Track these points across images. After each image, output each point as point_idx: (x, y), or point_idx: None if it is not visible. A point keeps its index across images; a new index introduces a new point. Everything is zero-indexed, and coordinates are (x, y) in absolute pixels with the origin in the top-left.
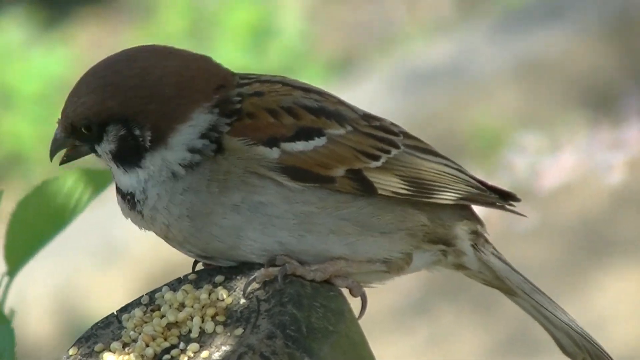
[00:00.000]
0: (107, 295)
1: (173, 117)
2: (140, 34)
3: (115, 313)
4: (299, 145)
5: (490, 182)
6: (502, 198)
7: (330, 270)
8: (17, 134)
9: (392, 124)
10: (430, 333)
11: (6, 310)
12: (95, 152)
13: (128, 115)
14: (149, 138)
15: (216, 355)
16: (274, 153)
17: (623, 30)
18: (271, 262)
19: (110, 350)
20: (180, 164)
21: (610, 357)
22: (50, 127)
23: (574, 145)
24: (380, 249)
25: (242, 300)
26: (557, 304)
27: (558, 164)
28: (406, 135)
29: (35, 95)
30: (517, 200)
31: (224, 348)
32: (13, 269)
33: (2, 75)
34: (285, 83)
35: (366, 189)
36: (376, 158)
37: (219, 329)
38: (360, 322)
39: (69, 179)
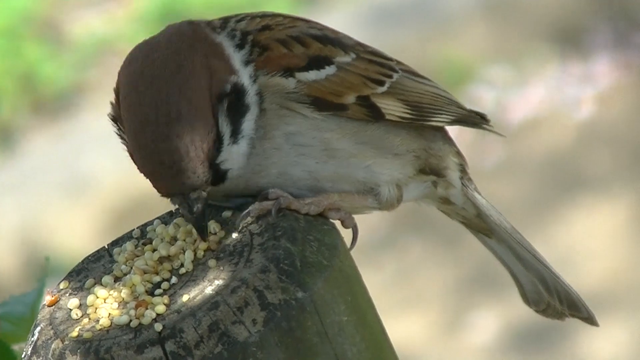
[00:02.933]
0: (74, 229)
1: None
2: None
3: (107, 247)
4: (312, 75)
5: None
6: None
7: (325, 204)
8: None
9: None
10: (397, 268)
11: None
12: (214, 169)
13: (219, 99)
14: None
15: (209, 289)
16: (290, 83)
17: None
18: (264, 196)
19: (101, 284)
20: (255, 118)
21: (583, 302)
22: (17, 60)
23: (542, 79)
24: (394, 171)
25: (235, 234)
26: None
27: (526, 97)
28: (396, 60)
29: (2, 29)
30: (488, 121)
31: (216, 282)
32: None
33: None
34: (283, 16)
35: (375, 114)
36: (381, 83)
37: (212, 262)
38: None
39: None
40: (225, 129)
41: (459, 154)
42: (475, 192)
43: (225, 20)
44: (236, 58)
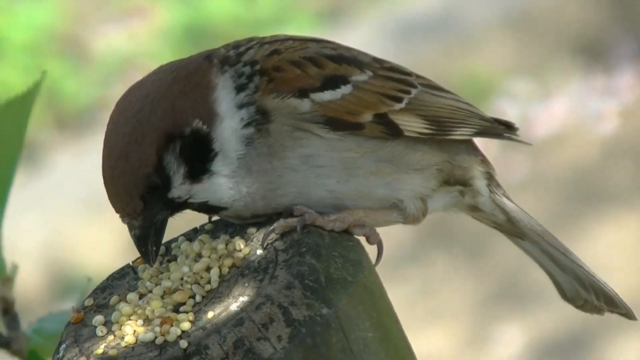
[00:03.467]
0: (95, 246)
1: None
2: None
3: (131, 264)
4: (327, 95)
5: None
6: (506, 129)
7: (349, 220)
8: (6, 83)
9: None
10: (423, 282)
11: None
12: (170, 203)
13: (169, 140)
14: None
15: (234, 306)
16: (305, 105)
17: None
18: (289, 213)
19: (126, 302)
20: (240, 152)
21: (621, 299)
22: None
23: (566, 93)
24: (416, 186)
25: (260, 251)
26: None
27: (549, 111)
28: (416, 74)
29: (24, 45)
30: (516, 129)
31: (241, 299)
32: None
33: None
34: (293, 38)
35: (393, 131)
36: (399, 100)
37: (237, 279)
38: None
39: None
40: (175, 168)
41: (484, 162)
42: (504, 198)
43: (239, 54)
44: (227, 102)
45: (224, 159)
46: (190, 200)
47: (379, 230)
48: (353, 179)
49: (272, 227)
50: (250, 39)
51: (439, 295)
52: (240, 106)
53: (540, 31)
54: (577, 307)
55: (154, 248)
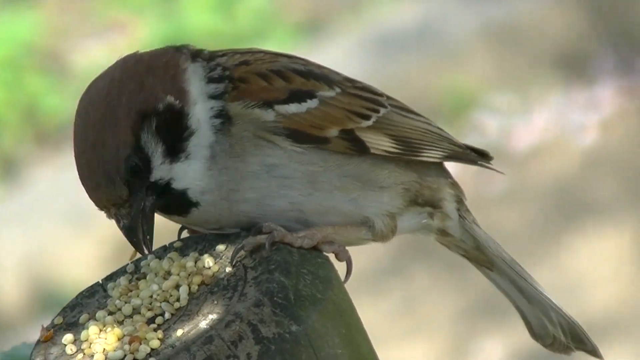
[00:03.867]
0: (79, 260)
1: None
2: None
3: (101, 282)
4: (292, 107)
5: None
6: (479, 156)
7: (318, 237)
8: None
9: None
10: (403, 295)
11: None
12: (154, 188)
13: (144, 119)
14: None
15: (203, 323)
16: (269, 115)
17: None
18: (257, 230)
19: (95, 320)
20: (211, 140)
21: (586, 334)
22: (19, 92)
23: (547, 106)
24: (382, 203)
25: (229, 268)
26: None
27: (530, 125)
28: (387, 96)
29: (4, 60)
30: (490, 158)
31: (211, 316)
32: None
33: None
34: (265, 52)
35: (359, 148)
36: (367, 117)
37: (206, 297)
38: None
39: None
40: (153, 147)
41: (454, 185)
42: (473, 224)
43: (212, 54)
44: (197, 86)
45: (198, 141)
46: (173, 185)
47: (349, 249)
48: (317, 192)
49: (241, 244)
50: (228, 49)
51: (419, 309)
52: (210, 97)
53: (521, 44)
54: (545, 346)
55: (148, 236)
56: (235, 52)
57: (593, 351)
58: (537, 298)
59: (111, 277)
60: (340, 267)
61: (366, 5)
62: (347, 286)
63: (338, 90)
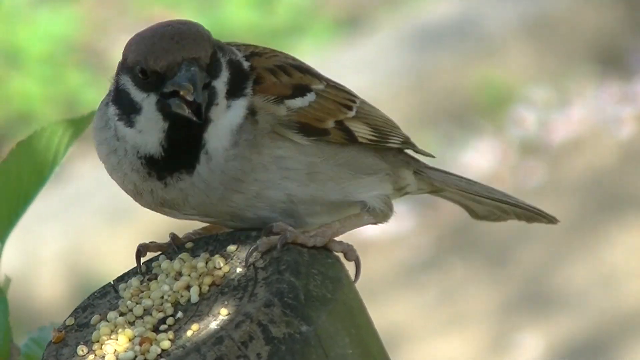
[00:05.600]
0: (116, 255)
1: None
2: None
3: (112, 283)
4: (298, 102)
5: (501, 137)
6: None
7: (329, 233)
8: (25, 94)
9: None
10: (440, 289)
11: (1, 278)
12: (211, 92)
13: (220, 48)
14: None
15: (213, 324)
16: (282, 110)
17: None
18: (269, 230)
19: (107, 321)
20: (238, 123)
21: (541, 212)
22: (58, 87)
23: (583, 99)
24: (373, 189)
25: (239, 269)
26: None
27: (567, 118)
28: None
29: (43, 56)
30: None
31: (221, 317)
32: (3, 235)
33: (10, 35)
34: (263, 47)
35: (349, 137)
36: (350, 108)
37: (217, 297)
38: (371, 280)
39: (43, 134)
40: (221, 70)
41: (409, 163)
42: (426, 174)
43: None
44: (243, 61)
45: (241, 107)
46: (211, 114)
47: (392, 242)
48: (312, 183)
49: (255, 246)
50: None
51: (458, 302)
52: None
53: (557, 38)
54: (490, 220)
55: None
56: (237, 44)
57: (550, 220)
58: (490, 203)
59: (122, 278)
60: (350, 267)
61: (403, 0)
62: (386, 280)
63: (324, 83)
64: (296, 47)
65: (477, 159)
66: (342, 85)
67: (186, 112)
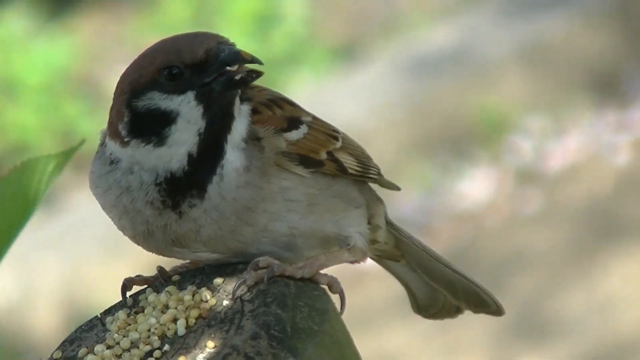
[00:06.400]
0: (114, 285)
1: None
2: (144, 23)
3: (99, 316)
4: (294, 134)
5: (497, 166)
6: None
7: (316, 265)
8: (21, 124)
9: None
10: None
11: None
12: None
13: None
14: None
15: (200, 356)
16: (282, 143)
17: (626, 12)
18: (255, 264)
19: (94, 354)
20: (242, 145)
21: (491, 297)
22: (55, 117)
23: (580, 127)
24: (359, 223)
25: (226, 302)
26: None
27: (564, 146)
28: None
29: (40, 86)
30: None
31: (208, 349)
32: None
33: (6, 65)
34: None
35: (340, 168)
36: (337, 139)
37: (204, 330)
38: (369, 308)
39: (24, 169)
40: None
41: (379, 198)
42: (393, 226)
43: None
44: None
45: (246, 116)
46: (233, 120)
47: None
48: (311, 215)
49: (242, 279)
50: None
51: (456, 330)
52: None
53: (554, 65)
54: (428, 316)
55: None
56: None
57: (497, 311)
58: (446, 276)
59: (110, 311)
60: (335, 300)
61: (400, 29)
62: (381, 309)
63: (310, 115)
64: (293, 76)
65: (474, 188)
66: (320, 118)
67: (236, 81)
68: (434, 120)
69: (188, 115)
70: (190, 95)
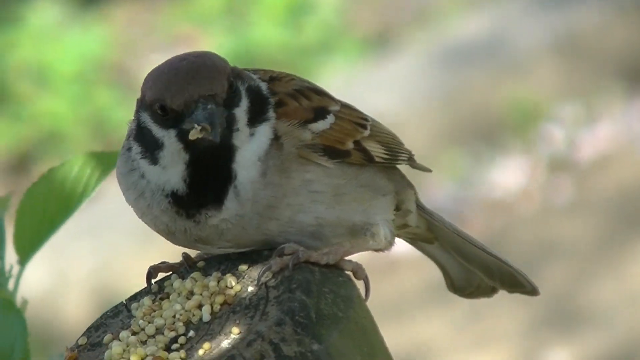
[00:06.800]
0: (144, 274)
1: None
2: (177, 12)
3: (125, 302)
4: (320, 125)
5: (529, 155)
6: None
7: (341, 252)
8: (54, 113)
9: None
10: (470, 307)
11: (18, 299)
12: (230, 118)
13: (239, 79)
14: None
15: (225, 342)
16: (306, 134)
17: None
18: (280, 251)
19: (119, 340)
20: (265, 149)
21: (527, 278)
22: (88, 106)
23: (611, 117)
24: (385, 212)
25: (251, 288)
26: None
27: (595, 135)
28: None
29: (72, 75)
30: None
31: (233, 336)
32: (24, 258)
33: (40, 55)
34: (279, 71)
35: (367, 157)
36: (365, 127)
37: (228, 316)
38: (401, 297)
39: (75, 164)
40: (242, 98)
41: (410, 183)
42: (424, 209)
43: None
44: (261, 85)
45: (266, 128)
46: (235, 140)
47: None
48: (338, 205)
49: (268, 265)
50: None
51: (487, 320)
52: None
53: (585, 55)
54: (464, 296)
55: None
56: (254, 69)
57: (532, 291)
58: (480, 258)
59: (135, 297)
60: (360, 287)
61: (432, 18)
62: (414, 298)
63: (339, 103)
64: (325, 66)
65: (506, 177)
66: (351, 105)
67: (202, 135)
68: (466, 109)
69: (172, 147)
70: (172, 132)
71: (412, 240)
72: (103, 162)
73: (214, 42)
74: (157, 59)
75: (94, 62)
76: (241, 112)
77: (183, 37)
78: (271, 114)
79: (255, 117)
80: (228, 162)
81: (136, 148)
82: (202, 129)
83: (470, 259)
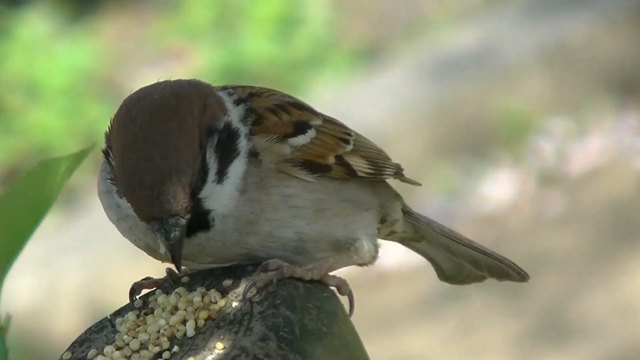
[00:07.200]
0: None
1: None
2: (167, 25)
3: (109, 317)
4: (300, 139)
5: (520, 168)
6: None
7: (325, 267)
8: (44, 126)
9: None
10: (460, 320)
11: (2, 314)
12: (194, 207)
13: (210, 134)
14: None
15: (209, 358)
16: (286, 149)
17: None
18: (264, 267)
19: (103, 355)
20: (244, 170)
21: (515, 267)
22: (78, 119)
23: (602, 129)
24: (368, 226)
25: (235, 303)
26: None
27: (586, 148)
28: None
29: (62, 88)
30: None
31: (217, 351)
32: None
33: (30, 68)
34: (259, 87)
35: (349, 172)
36: (347, 142)
37: (213, 331)
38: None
39: (36, 172)
40: (212, 164)
41: (397, 194)
42: (411, 214)
43: (223, 87)
44: (233, 111)
45: (239, 164)
46: (204, 205)
47: (414, 273)
48: (320, 221)
49: (252, 281)
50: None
51: (478, 333)
52: (242, 119)
53: (576, 68)
54: (455, 283)
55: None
56: (234, 87)
57: (521, 279)
58: (466, 253)
59: (119, 313)
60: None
61: (422, 31)
62: (404, 311)
63: (321, 118)
64: (315, 79)
65: (496, 190)
66: (336, 120)
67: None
68: (457, 122)
69: (138, 220)
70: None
71: (400, 240)
72: (65, 162)
73: (204, 55)
74: (147, 73)
75: (84, 75)
76: (211, 175)
77: (173, 50)
78: (244, 140)
79: (227, 158)
80: (205, 214)
81: (112, 174)
82: (164, 239)
83: (458, 255)
